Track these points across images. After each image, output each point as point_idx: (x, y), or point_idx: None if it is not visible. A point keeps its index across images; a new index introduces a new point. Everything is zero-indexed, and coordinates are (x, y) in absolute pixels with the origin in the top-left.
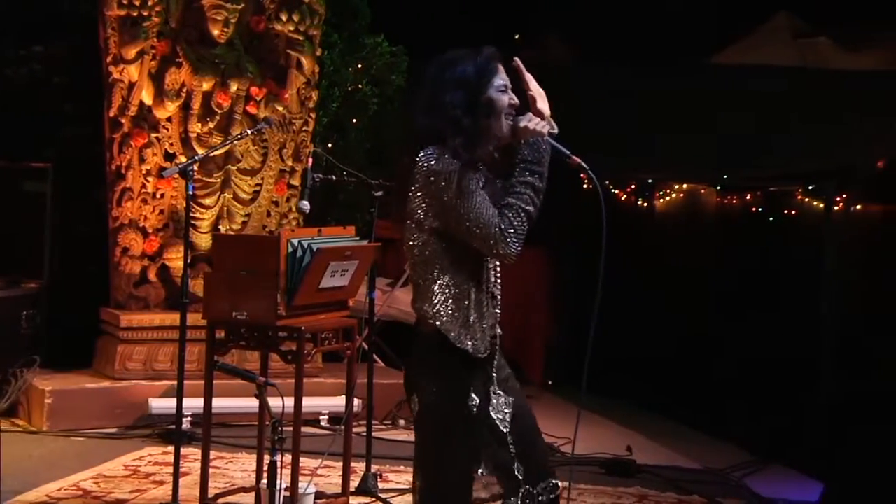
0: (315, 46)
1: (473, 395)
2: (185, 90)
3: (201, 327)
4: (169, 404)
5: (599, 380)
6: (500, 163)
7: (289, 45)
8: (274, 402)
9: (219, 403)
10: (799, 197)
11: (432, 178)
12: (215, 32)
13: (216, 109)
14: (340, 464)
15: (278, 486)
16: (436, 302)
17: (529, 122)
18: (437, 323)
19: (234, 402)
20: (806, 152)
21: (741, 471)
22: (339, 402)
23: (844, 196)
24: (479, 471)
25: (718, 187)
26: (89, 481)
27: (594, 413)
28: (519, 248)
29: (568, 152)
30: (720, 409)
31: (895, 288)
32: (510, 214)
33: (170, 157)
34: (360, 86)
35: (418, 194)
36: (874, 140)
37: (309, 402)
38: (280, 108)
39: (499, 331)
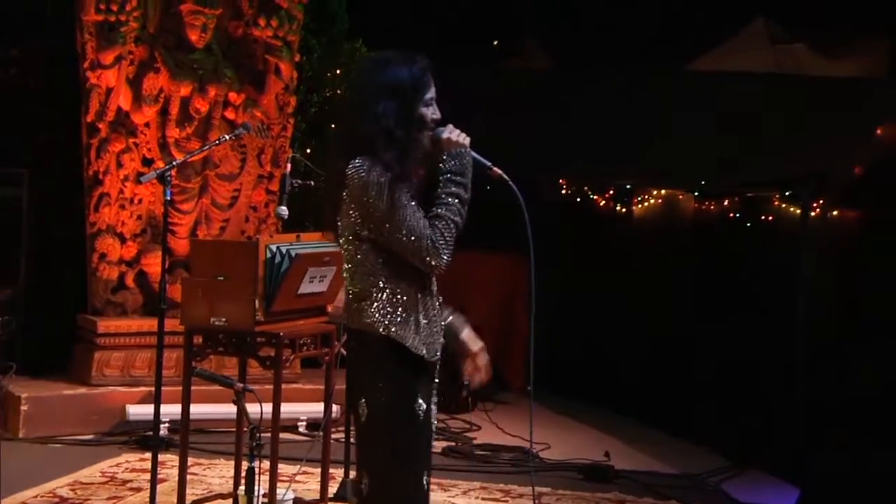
0: (293, 52)
1: (420, 401)
2: (163, 95)
3: (179, 333)
4: (146, 410)
5: (577, 385)
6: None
7: (267, 51)
8: (252, 409)
9: (196, 409)
10: (776, 203)
11: (364, 191)
12: (193, 38)
13: (194, 115)
14: (319, 470)
15: (256, 493)
16: (385, 311)
17: (451, 133)
18: (391, 331)
19: (212, 409)
20: (783, 158)
21: (718, 476)
22: (317, 408)
23: (821, 202)
24: (425, 477)
25: (696, 193)
26: (66, 488)
27: (572, 419)
28: (449, 259)
29: (489, 164)
30: (697, 413)
31: (871, 293)
32: (440, 226)
33: (147, 162)
34: (338, 91)
35: (352, 206)
36: (851, 146)
37: (287, 408)
38: (258, 114)
39: (441, 338)
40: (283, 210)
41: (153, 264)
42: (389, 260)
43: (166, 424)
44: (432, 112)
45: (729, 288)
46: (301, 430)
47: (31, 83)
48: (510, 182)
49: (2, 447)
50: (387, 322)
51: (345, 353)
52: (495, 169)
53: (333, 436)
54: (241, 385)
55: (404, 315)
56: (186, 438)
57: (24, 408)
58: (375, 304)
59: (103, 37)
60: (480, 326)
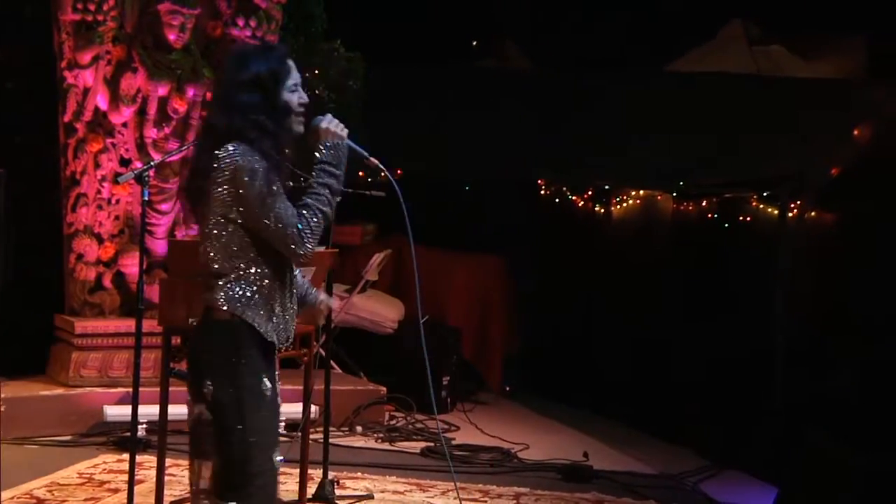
0: None
1: (267, 382)
2: (140, 95)
3: (157, 334)
4: (124, 411)
5: (556, 386)
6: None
7: None
8: None
9: (174, 410)
10: (754, 204)
11: (237, 174)
12: (171, 38)
13: (172, 115)
14: (297, 470)
15: None
16: (243, 294)
17: (329, 123)
18: (244, 314)
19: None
20: (760, 159)
21: (696, 476)
22: (296, 409)
23: (799, 203)
24: (276, 455)
25: (675, 194)
26: (43, 489)
27: (551, 419)
28: (313, 249)
29: (366, 154)
30: (675, 413)
31: (848, 293)
32: (307, 215)
33: (125, 162)
34: (316, 91)
35: (223, 188)
36: (828, 147)
37: None
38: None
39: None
40: None
41: (131, 265)
42: (254, 244)
43: (144, 425)
44: (299, 97)
45: (707, 288)
46: (280, 430)
47: (7, 84)
48: (386, 172)
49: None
50: (241, 304)
51: (323, 353)
52: (372, 158)
53: (312, 436)
54: None
55: (261, 300)
56: (164, 439)
57: (0, 408)
58: (233, 285)
59: (81, 36)
60: (459, 327)
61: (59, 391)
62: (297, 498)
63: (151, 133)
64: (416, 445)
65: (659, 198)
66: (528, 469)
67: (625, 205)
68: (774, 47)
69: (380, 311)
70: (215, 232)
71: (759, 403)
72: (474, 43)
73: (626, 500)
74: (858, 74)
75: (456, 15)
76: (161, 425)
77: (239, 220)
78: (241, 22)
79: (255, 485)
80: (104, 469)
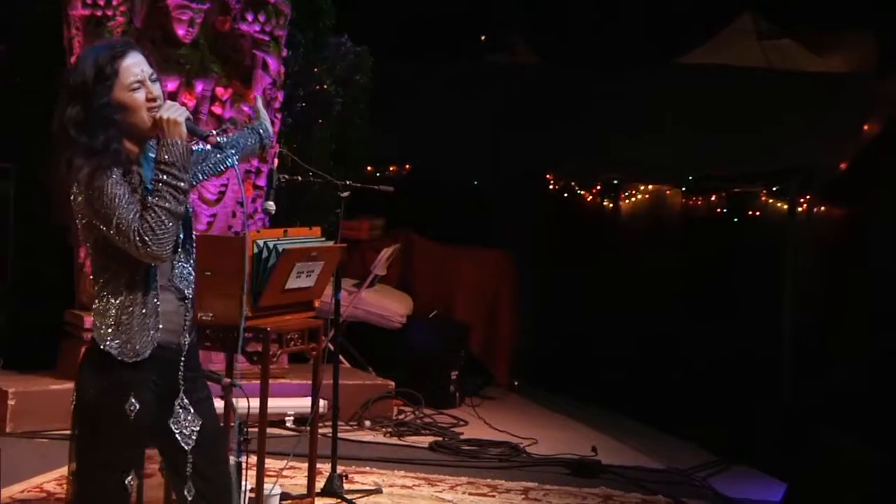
0: (281, 47)
1: (133, 400)
2: None
3: None
4: None
5: (565, 381)
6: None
7: (254, 46)
8: (239, 404)
9: None
10: (763, 198)
11: (78, 188)
12: (180, 32)
13: None
14: (306, 465)
15: (244, 488)
16: (100, 308)
17: (166, 111)
18: (95, 325)
19: None
20: (769, 154)
21: (705, 471)
22: (304, 403)
23: (808, 197)
24: (129, 480)
25: (683, 189)
26: (53, 483)
27: (560, 414)
28: (165, 249)
29: (206, 133)
30: (684, 409)
31: (856, 288)
32: (149, 217)
33: None
34: (324, 86)
35: (76, 202)
36: (837, 141)
37: (274, 403)
38: (246, 109)
39: (186, 339)
40: (271, 205)
41: None
42: (114, 255)
43: None
44: (144, 95)
45: (716, 283)
46: (288, 424)
47: (17, 79)
48: (227, 150)
49: None
50: (98, 317)
51: (332, 348)
52: (213, 136)
53: (321, 431)
54: (228, 380)
55: (115, 313)
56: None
57: (11, 402)
58: (98, 299)
59: (90, 32)
60: (466, 322)
61: (70, 385)
62: (305, 492)
63: None
64: (425, 440)
65: (668, 192)
66: (536, 464)
67: (633, 199)
68: (784, 41)
69: (388, 305)
70: (88, 245)
71: (768, 399)
72: (482, 38)
73: (635, 495)
74: (868, 68)
75: (464, 9)
76: None
77: (95, 232)
78: (249, 17)
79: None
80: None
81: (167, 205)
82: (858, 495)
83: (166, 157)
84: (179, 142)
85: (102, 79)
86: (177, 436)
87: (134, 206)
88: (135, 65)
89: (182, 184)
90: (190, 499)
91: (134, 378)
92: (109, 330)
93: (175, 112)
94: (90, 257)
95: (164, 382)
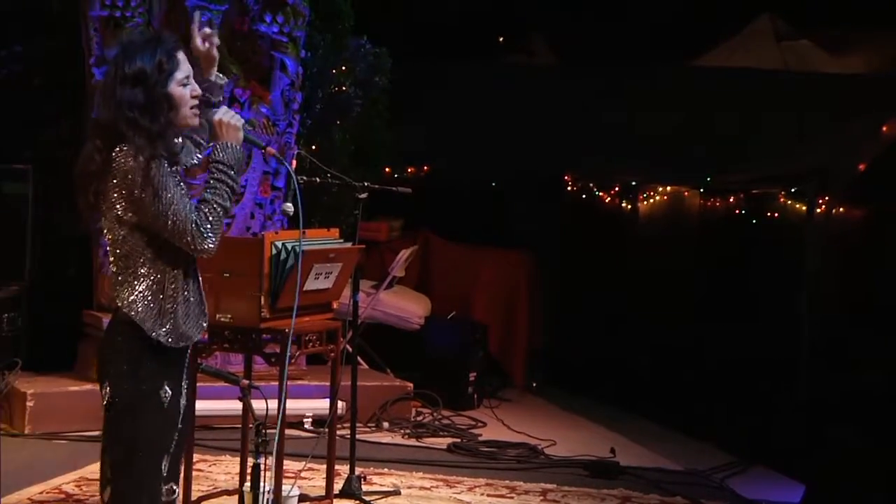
0: (299, 48)
1: (167, 388)
2: None
3: None
4: None
5: (583, 382)
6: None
7: (273, 47)
8: (257, 405)
9: (202, 406)
10: (781, 200)
11: (128, 176)
12: None
13: None
14: (324, 466)
15: (262, 489)
16: (135, 294)
17: (224, 115)
18: (133, 313)
19: (218, 405)
20: (788, 155)
21: (723, 472)
22: (322, 405)
23: (826, 199)
24: (164, 463)
25: (702, 190)
26: (71, 484)
27: (578, 415)
28: (215, 244)
29: (263, 143)
30: (702, 410)
31: (874, 289)
32: (206, 210)
33: None
34: (343, 87)
35: (115, 191)
36: (856, 143)
37: (293, 405)
38: (264, 110)
39: (204, 324)
40: (289, 207)
41: None
42: (150, 245)
43: None
44: (192, 90)
45: (735, 284)
46: (306, 426)
47: (35, 80)
48: (285, 163)
49: (8, 443)
50: (132, 303)
51: (350, 349)
52: (269, 148)
53: (339, 432)
54: (246, 381)
55: (152, 299)
56: (192, 435)
57: (29, 404)
58: (130, 287)
59: (109, 33)
60: (485, 323)
61: (88, 387)
62: (324, 494)
63: None
64: (443, 441)
65: (686, 194)
66: (554, 465)
67: (652, 201)
68: (802, 42)
69: (406, 306)
70: (110, 235)
71: (787, 400)
72: (500, 39)
73: (654, 497)
74: (886, 69)
75: (482, 10)
76: (189, 420)
77: (133, 221)
78: (268, 18)
79: (141, 494)
80: None
81: (223, 201)
82: (877, 497)
83: (224, 157)
84: (237, 145)
85: (162, 69)
86: (179, 414)
87: (188, 199)
88: (186, 61)
89: (235, 185)
90: (164, 474)
91: (170, 366)
92: (154, 317)
93: (234, 118)
94: (122, 243)
95: (181, 367)
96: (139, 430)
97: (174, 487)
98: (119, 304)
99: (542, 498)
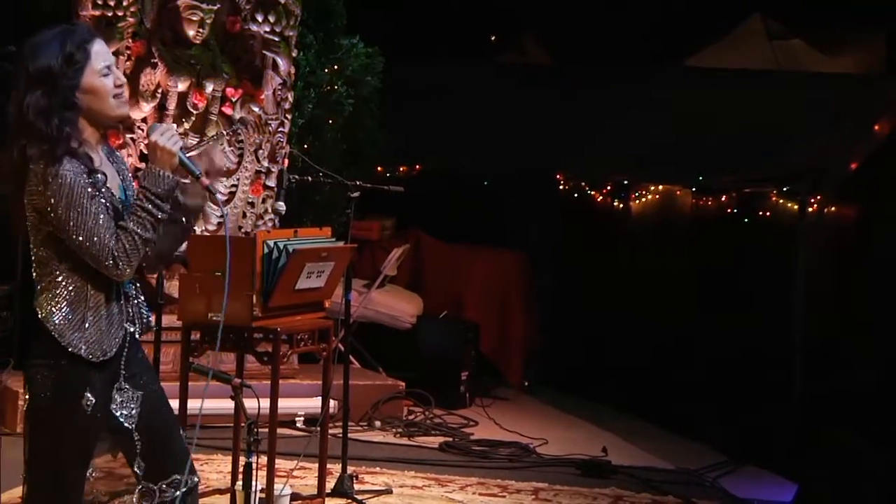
0: (291, 47)
1: (89, 395)
2: (160, 91)
3: (176, 328)
4: None
5: (575, 381)
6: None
7: (265, 46)
8: (249, 404)
9: (194, 405)
10: (773, 199)
11: (42, 188)
12: (190, 33)
13: (192, 110)
14: (316, 465)
15: (254, 488)
16: (52, 304)
17: (160, 137)
18: (50, 325)
19: (210, 404)
20: (780, 154)
21: (715, 471)
22: (314, 404)
23: (818, 198)
24: (90, 472)
25: (693, 189)
26: None
27: (570, 414)
28: (129, 271)
29: (198, 172)
30: (694, 409)
31: (867, 289)
32: (124, 239)
33: (145, 158)
34: (335, 87)
35: (33, 198)
36: (848, 142)
37: (285, 404)
38: (256, 109)
39: (130, 328)
40: (281, 206)
41: None
42: (67, 254)
43: None
44: (112, 81)
45: (727, 283)
46: (298, 425)
47: None
48: (217, 194)
49: (0, 442)
50: (51, 313)
51: (342, 348)
52: (203, 179)
53: (331, 431)
54: (238, 380)
55: (69, 309)
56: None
57: (21, 402)
58: (49, 294)
59: (101, 32)
60: (477, 322)
61: None
62: (316, 493)
63: None
64: (435, 440)
65: (678, 193)
66: (546, 464)
67: (644, 200)
68: (794, 42)
69: (398, 305)
70: (31, 238)
71: (779, 399)
72: (493, 38)
73: (645, 496)
74: (878, 69)
75: (474, 9)
76: (180, 419)
77: (49, 229)
78: (259, 17)
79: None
80: (124, 463)
81: (143, 232)
82: (869, 496)
83: (151, 187)
84: (168, 174)
85: (72, 63)
86: (120, 419)
87: (108, 225)
88: (104, 50)
89: (161, 214)
90: (141, 475)
91: (92, 374)
92: (73, 328)
93: (171, 141)
94: (39, 250)
95: (110, 373)
96: (58, 440)
97: (177, 478)
98: (39, 310)
99: (533, 497)
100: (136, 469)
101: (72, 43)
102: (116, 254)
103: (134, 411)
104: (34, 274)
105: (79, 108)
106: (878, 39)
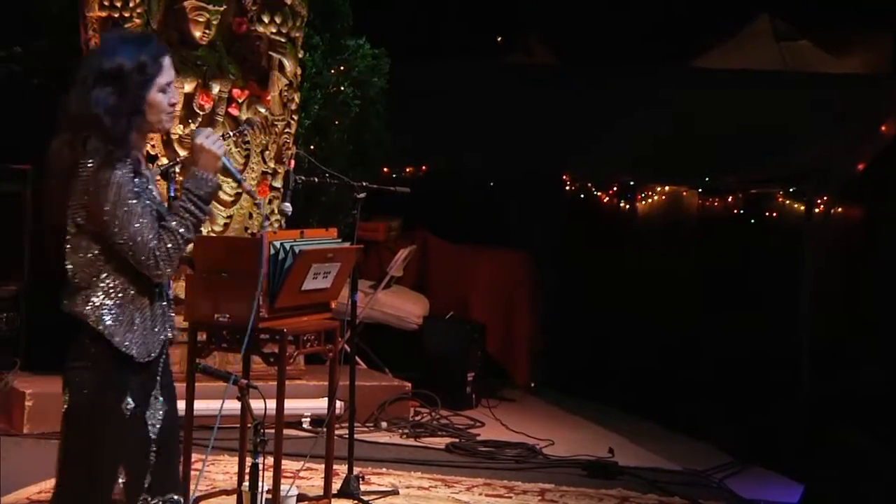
0: (297, 48)
1: (129, 399)
2: None
3: (183, 329)
4: None
5: (581, 382)
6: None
7: (271, 47)
8: (256, 405)
9: (200, 405)
10: (780, 199)
11: (91, 188)
12: (197, 34)
13: (198, 111)
14: (322, 466)
15: (260, 489)
16: (99, 304)
17: (205, 139)
18: (100, 326)
19: (216, 405)
20: (786, 155)
21: (722, 472)
22: (321, 405)
23: (825, 198)
24: (121, 477)
25: (700, 190)
26: None
27: (576, 415)
28: (170, 271)
29: (240, 178)
30: (700, 410)
31: (874, 289)
32: (166, 238)
33: (151, 158)
34: (341, 88)
35: (82, 198)
36: (855, 142)
37: (291, 405)
38: (262, 110)
39: (170, 334)
40: (287, 206)
41: None
42: (114, 255)
43: None
44: (170, 97)
45: (733, 284)
46: (305, 426)
47: (34, 80)
48: (258, 199)
49: (6, 443)
50: (100, 315)
51: (348, 349)
52: (245, 185)
53: (337, 432)
54: (244, 381)
55: (118, 310)
56: (190, 434)
57: (28, 403)
58: (93, 295)
59: (107, 33)
60: (483, 323)
61: None
62: (322, 493)
63: (177, 129)
64: (441, 441)
65: (684, 193)
66: (553, 465)
67: (650, 200)
68: (802, 42)
69: (404, 306)
70: (72, 242)
71: (786, 400)
72: (499, 38)
73: (652, 497)
74: (885, 69)
75: (480, 10)
76: (186, 420)
77: (96, 230)
78: (266, 18)
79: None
80: None
81: (186, 233)
82: (877, 496)
83: (195, 189)
84: (211, 177)
85: (143, 72)
86: (148, 426)
87: (152, 225)
88: (170, 67)
89: (203, 216)
90: (146, 485)
91: (133, 378)
92: (124, 329)
93: (216, 145)
94: (83, 250)
95: (148, 378)
96: (95, 442)
97: (175, 498)
98: (85, 315)
99: (540, 498)
100: (143, 481)
101: (147, 52)
102: (158, 254)
103: (158, 425)
104: (73, 276)
105: (144, 115)
106: (885, 40)
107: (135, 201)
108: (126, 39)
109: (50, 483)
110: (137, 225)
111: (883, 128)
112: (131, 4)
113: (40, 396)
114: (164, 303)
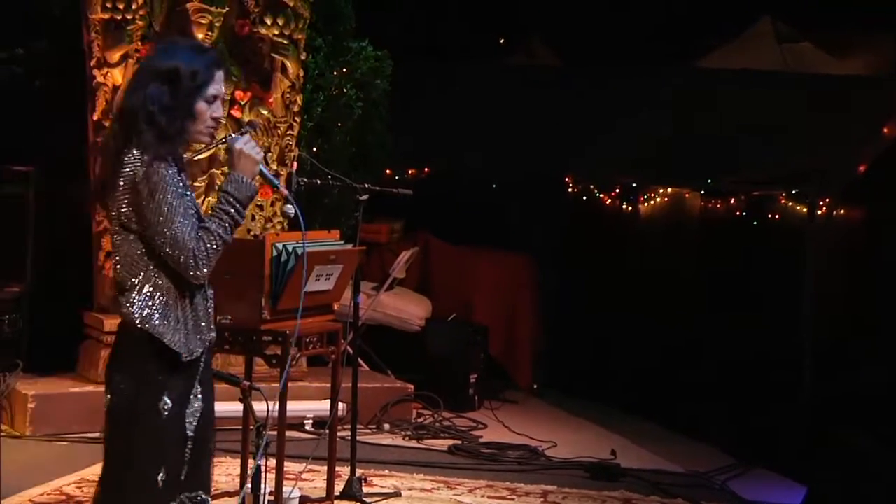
0: (300, 50)
1: (167, 399)
2: None
3: None
4: None
5: (584, 384)
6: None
7: (273, 49)
8: (258, 407)
9: None
10: (782, 201)
11: (137, 185)
12: (199, 36)
13: None
14: (325, 468)
15: (262, 491)
16: (146, 304)
17: (244, 145)
18: (147, 325)
19: (219, 407)
20: (789, 156)
21: (724, 474)
22: (323, 406)
23: (827, 200)
24: (160, 475)
25: (702, 192)
26: (72, 486)
27: (579, 417)
28: (207, 271)
29: (277, 183)
30: (702, 411)
31: (876, 291)
32: (206, 239)
33: None
34: (344, 90)
35: (125, 196)
36: (857, 144)
37: (293, 407)
38: (265, 112)
39: (213, 334)
40: (290, 208)
41: None
42: (155, 253)
43: None
44: (213, 110)
45: (735, 286)
46: (307, 428)
47: (36, 82)
48: (297, 207)
49: (9, 444)
50: (145, 315)
51: (351, 351)
52: (283, 189)
53: (339, 434)
54: (247, 383)
55: (164, 310)
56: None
57: (30, 405)
58: (136, 295)
59: (110, 35)
60: (486, 325)
61: (89, 388)
62: (324, 495)
63: None
64: (444, 443)
65: (687, 195)
66: (555, 467)
67: (652, 202)
68: (804, 44)
69: (407, 308)
70: (118, 239)
71: (788, 401)
72: (501, 40)
73: (654, 499)
74: (887, 71)
75: (483, 12)
76: None
77: (139, 229)
78: (268, 20)
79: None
80: None
81: (224, 234)
82: (879, 498)
83: (234, 192)
84: (250, 181)
85: (195, 79)
86: (186, 424)
87: (192, 224)
88: (221, 81)
89: (241, 219)
90: (182, 480)
91: (174, 378)
92: (171, 328)
93: (254, 150)
94: (129, 246)
95: (189, 377)
96: (132, 441)
97: (202, 496)
98: (130, 313)
99: (542, 500)
100: (181, 477)
101: (202, 61)
102: (197, 254)
103: (195, 423)
104: (120, 274)
105: (195, 120)
106: (887, 42)
107: (178, 200)
108: (185, 45)
109: (52, 485)
110: (179, 224)
111: (884, 129)
112: (134, 6)
113: (42, 398)
114: (208, 303)
